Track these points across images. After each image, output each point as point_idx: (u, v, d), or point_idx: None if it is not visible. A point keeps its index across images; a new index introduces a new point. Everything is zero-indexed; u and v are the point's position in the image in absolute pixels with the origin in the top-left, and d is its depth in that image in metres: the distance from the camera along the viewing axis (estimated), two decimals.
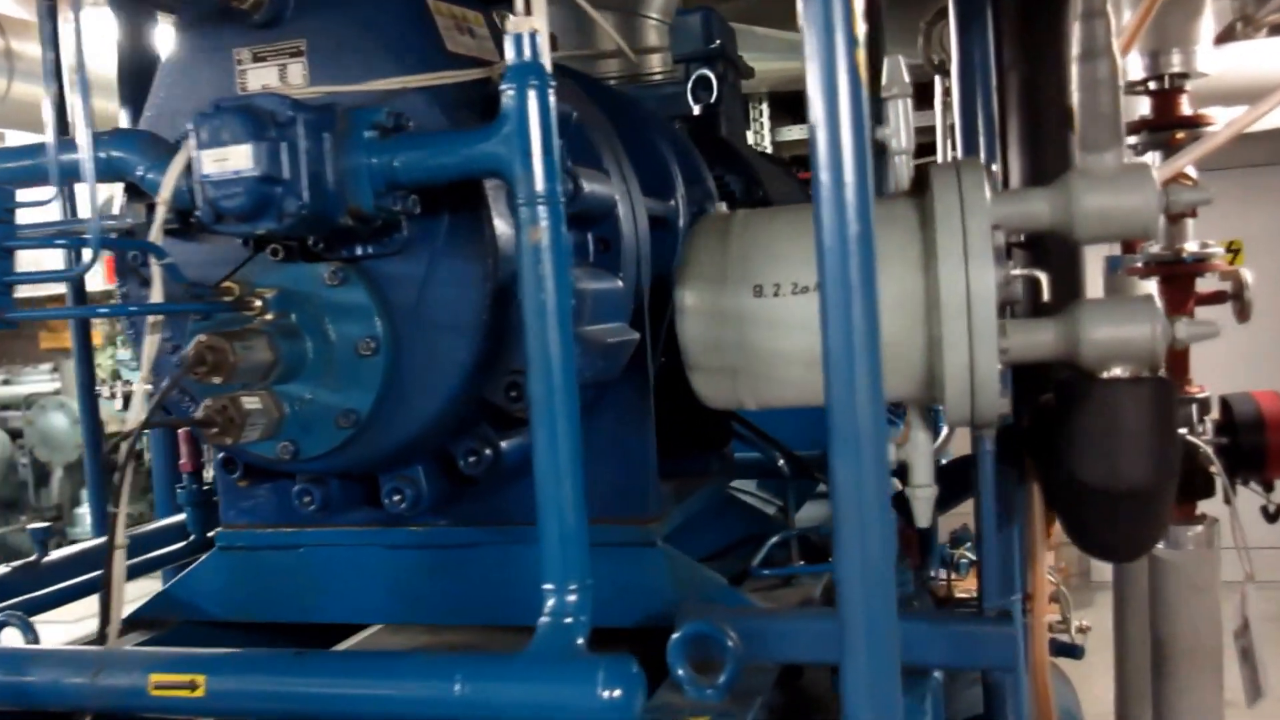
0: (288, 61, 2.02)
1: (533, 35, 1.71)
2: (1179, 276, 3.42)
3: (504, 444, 2.15)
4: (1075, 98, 1.96)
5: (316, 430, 1.98)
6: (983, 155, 2.90)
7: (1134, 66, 3.49)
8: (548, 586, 1.73)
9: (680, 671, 1.87)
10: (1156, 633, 3.73)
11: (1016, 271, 1.98)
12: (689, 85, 3.88)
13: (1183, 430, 3.12)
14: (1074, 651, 3.70)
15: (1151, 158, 3.49)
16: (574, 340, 2.01)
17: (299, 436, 1.99)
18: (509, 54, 1.73)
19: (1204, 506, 3.43)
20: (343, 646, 2.65)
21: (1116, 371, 1.91)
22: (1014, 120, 3.11)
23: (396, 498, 2.14)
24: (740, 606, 2.18)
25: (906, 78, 1.99)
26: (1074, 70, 1.98)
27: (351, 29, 1.97)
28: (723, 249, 1.98)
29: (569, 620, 1.73)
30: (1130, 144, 3.88)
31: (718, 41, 3.74)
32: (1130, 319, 1.89)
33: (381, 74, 1.95)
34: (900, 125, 1.98)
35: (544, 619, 1.72)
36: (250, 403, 1.87)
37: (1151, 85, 3.48)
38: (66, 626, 2.66)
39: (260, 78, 2.04)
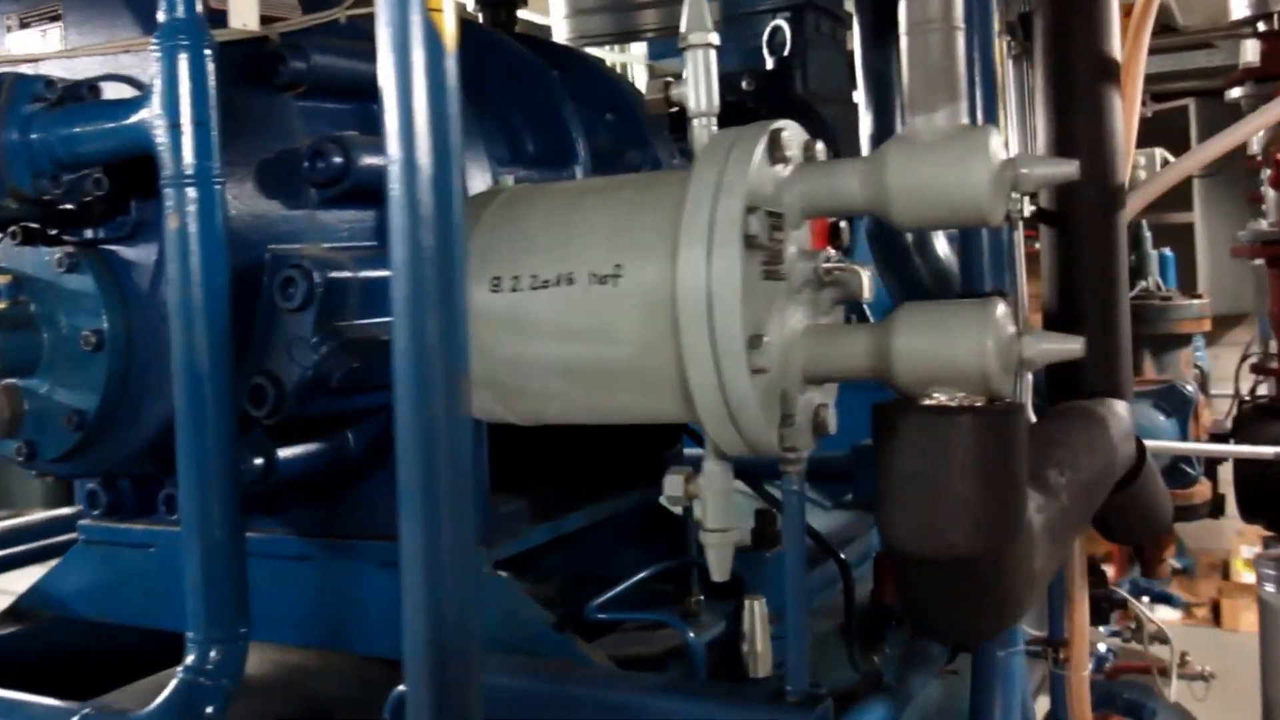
0: (48, 26, 1.85)
1: None
2: None
3: (282, 454, 1.91)
4: (903, 43, 1.51)
5: (50, 431, 1.81)
6: (979, 117, 2.43)
7: (1238, 4, 2.85)
8: (190, 635, 1.49)
9: None
10: (1267, 693, 3.10)
11: (828, 265, 1.56)
12: (765, 38, 3.51)
13: None
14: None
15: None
16: (324, 337, 1.76)
17: (36, 436, 1.83)
18: (160, 12, 1.49)
19: None
20: None
21: (940, 398, 1.46)
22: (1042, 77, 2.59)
23: (163, 503, 1.95)
24: (525, 659, 1.85)
25: (710, 22, 1.60)
26: (901, 7, 1.53)
27: None
28: (471, 233, 1.65)
29: (205, 682, 1.48)
30: (1234, 97, 3.21)
31: None
32: (956, 329, 1.44)
33: (132, 36, 1.75)
34: (699, 81, 1.59)
35: (179, 674, 1.48)
36: None
37: (1260, 26, 2.83)
38: None
39: (25, 42, 1.88)
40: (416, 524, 1.18)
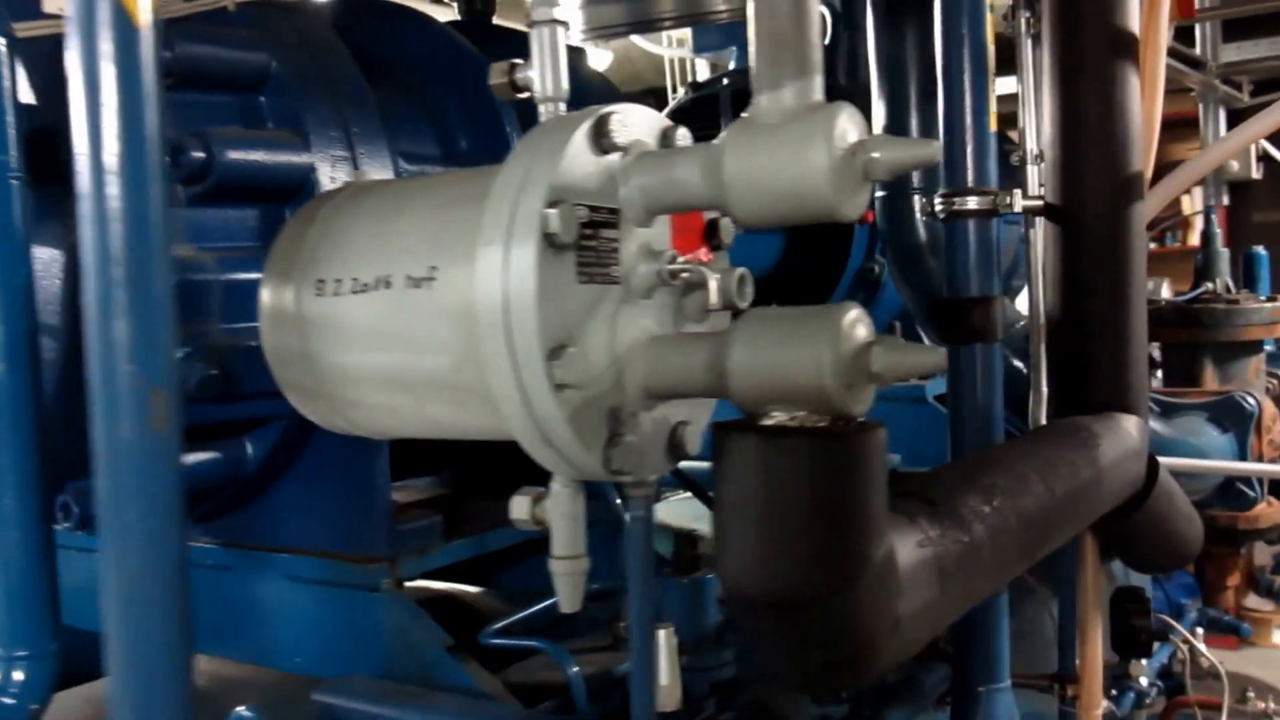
0: None
1: None
2: None
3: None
4: (748, 9, 1.32)
5: None
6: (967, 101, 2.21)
7: None
8: None
9: None
10: None
11: (674, 266, 1.38)
12: None
13: None
14: None
15: None
16: (182, 340, 1.67)
17: None
18: None
19: None
20: None
21: (779, 417, 1.28)
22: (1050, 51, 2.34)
23: (62, 514, 1.88)
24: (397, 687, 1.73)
25: (562, 1, 1.44)
26: None
27: None
28: (302, 232, 1.52)
29: (7, 702, 1.40)
30: None
31: None
32: (794, 341, 1.25)
33: None
34: (545, 62, 1.43)
35: None
36: None
37: None
38: None
39: None
40: (110, 542, 1.06)
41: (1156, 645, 3.15)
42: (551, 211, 1.25)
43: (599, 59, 6.06)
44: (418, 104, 2.17)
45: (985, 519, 1.58)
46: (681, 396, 1.39)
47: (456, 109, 2.17)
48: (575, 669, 1.77)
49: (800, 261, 3.70)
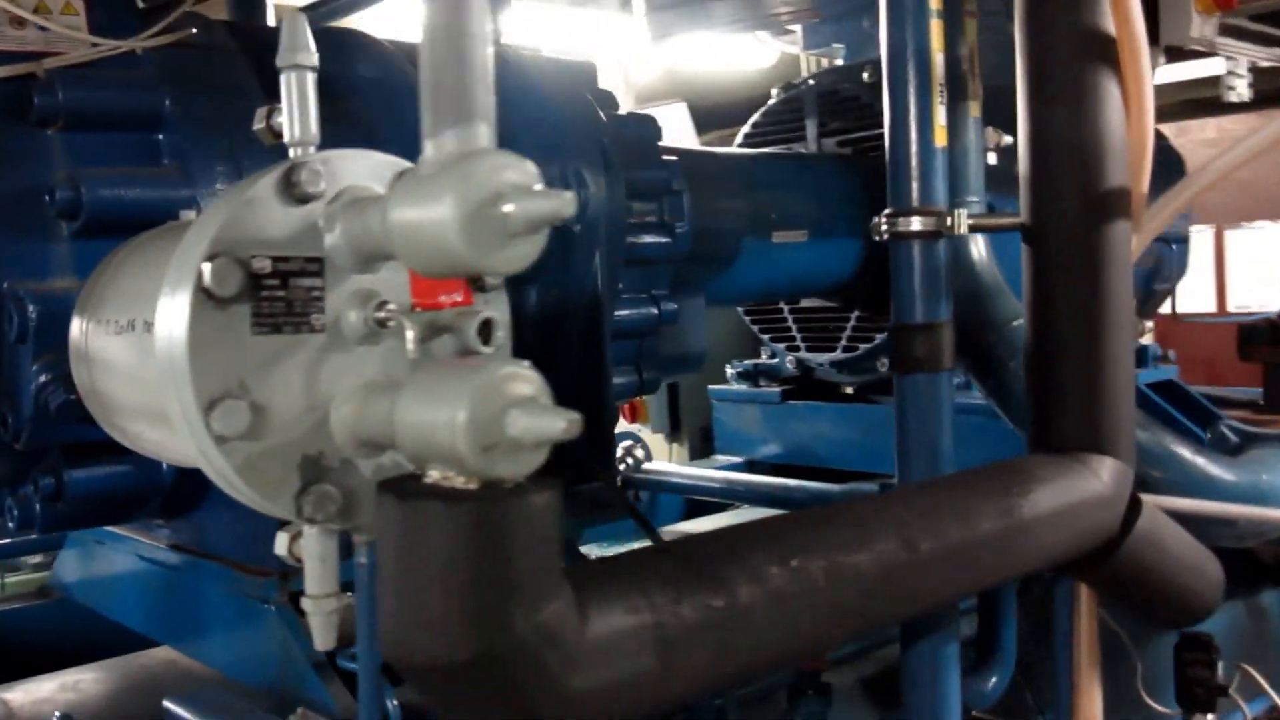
0: None
1: None
2: None
3: (75, 474, 1.97)
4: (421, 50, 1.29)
5: None
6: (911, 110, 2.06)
7: None
8: None
9: None
10: None
11: (379, 314, 1.37)
12: None
13: None
14: None
15: None
16: (44, 368, 1.81)
17: None
18: None
19: None
20: None
21: (435, 476, 1.25)
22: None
23: (6, 516, 2.06)
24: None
25: (312, 43, 1.45)
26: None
27: None
28: (101, 273, 1.61)
29: None
30: None
31: None
32: (442, 397, 1.22)
33: None
34: (295, 107, 1.45)
35: None
36: None
37: None
38: None
39: None
40: None
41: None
42: (206, 266, 1.27)
43: (764, 57, 5.88)
44: (354, 129, 2.22)
45: (768, 580, 1.48)
46: (383, 446, 1.37)
47: (391, 134, 2.21)
48: (394, 702, 1.78)
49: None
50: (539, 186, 1.21)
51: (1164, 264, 4.45)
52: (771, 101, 3.81)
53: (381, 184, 1.42)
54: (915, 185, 2.08)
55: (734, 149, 3.28)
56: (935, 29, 2.06)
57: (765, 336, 3.90)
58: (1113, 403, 2.09)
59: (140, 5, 1.99)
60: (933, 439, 2.10)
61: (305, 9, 3.53)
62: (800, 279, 3.36)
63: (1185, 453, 2.54)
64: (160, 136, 1.96)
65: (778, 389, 3.98)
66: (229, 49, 2.09)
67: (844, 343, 3.64)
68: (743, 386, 4.06)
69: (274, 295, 1.33)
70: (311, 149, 1.45)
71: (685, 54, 6.17)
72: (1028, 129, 2.12)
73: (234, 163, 1.96)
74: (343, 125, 2.23)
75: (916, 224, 2.07)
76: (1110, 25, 2.03)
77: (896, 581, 1.64)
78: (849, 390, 3.88)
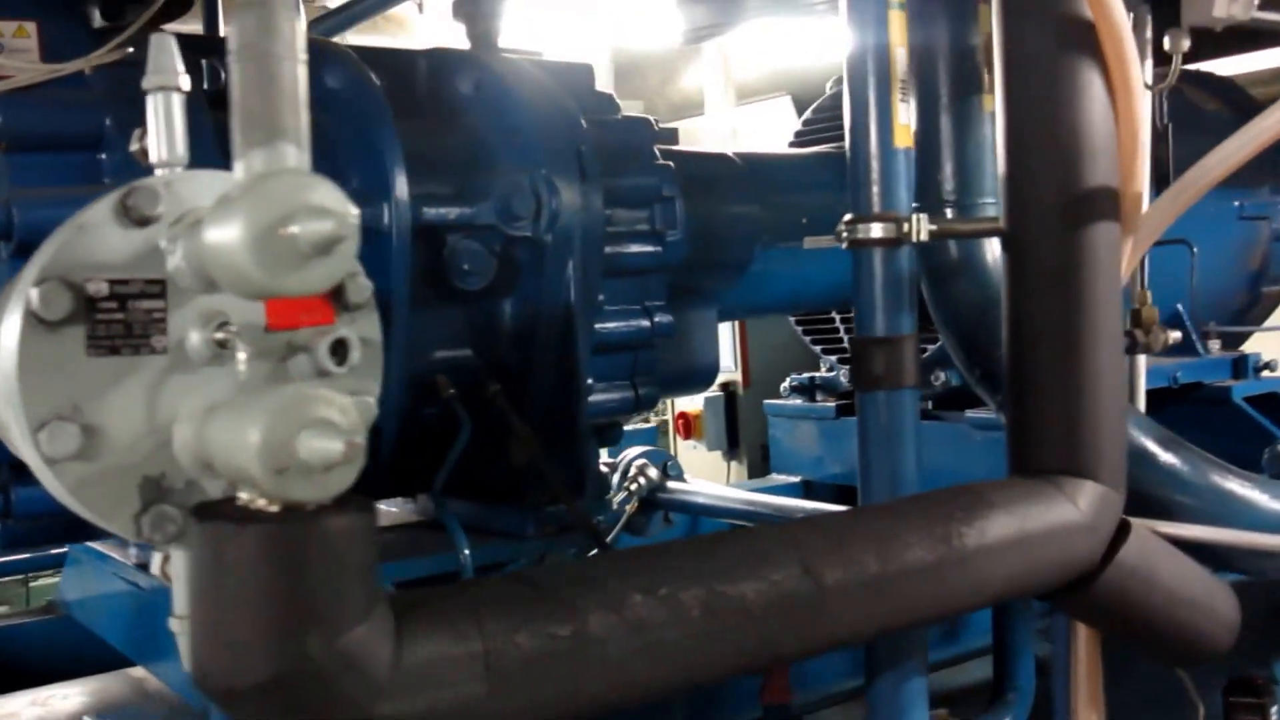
0: None
1: None
2: None
3: (23, 492, 2.02)
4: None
5: None
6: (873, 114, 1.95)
7: None
8: None
9: None
10: None
11: (220, 336, 1.36)
12: None
13: None
14: None
15: None
16: None
17: None
18: None
19: None
20: None
21: (243, 498, 1.23)
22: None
23: None
24: None
25: (180, 64, 1.45)
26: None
27: None
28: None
29: None
30: None
31: None
32: (244, 417, 1.20)
33: None
34: (161, 129, 1.45)
35: None
36: None
37: None
38: None
39: None
40: None
41: None
42: (34, 290, 1.28)
43: None
44: (317, 141, 2.23)
45: (627, 608, 1.41)
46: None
47: (352, 145, 2.21)
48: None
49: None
50: (340, 206, 1.17)
51: (1273, 262, 4.14)
52: (824, 97, 3.70)
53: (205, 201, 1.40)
54: (875, 189, 1.96)
55: (754, 151, 3.18)
56: (896, 20, 1.94)
57: (817, 348, 3.78)
58: (1094, 422, 1.93)
59: (95, 26, 2.04)
60: (894, 462, 1.98)
61: (325, 16, 3.58)
62: (838, 287, 3.23)
63: (1220, 477, 2.34)
64: (103, 156, 2.00)
65: (833, 404, 3.81)
66: None
67: None
68: (798, 401, 3.89)
69: (111, 318, 1.33)
70: (179, 169, 1.45)
71: (789, 47, 6.07)
72: (1004, 125, 1.99)
73: None
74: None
75: (877, 230, 1.96)
76: (1085, 8, 1.88)
77: (792, 614, 1.54)
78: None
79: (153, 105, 1.44)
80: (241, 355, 1.34)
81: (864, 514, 1.79)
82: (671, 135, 3.02)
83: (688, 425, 4.69)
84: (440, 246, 2.28)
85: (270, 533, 1.17)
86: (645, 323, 2.56)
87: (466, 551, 2.10)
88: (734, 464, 4.61)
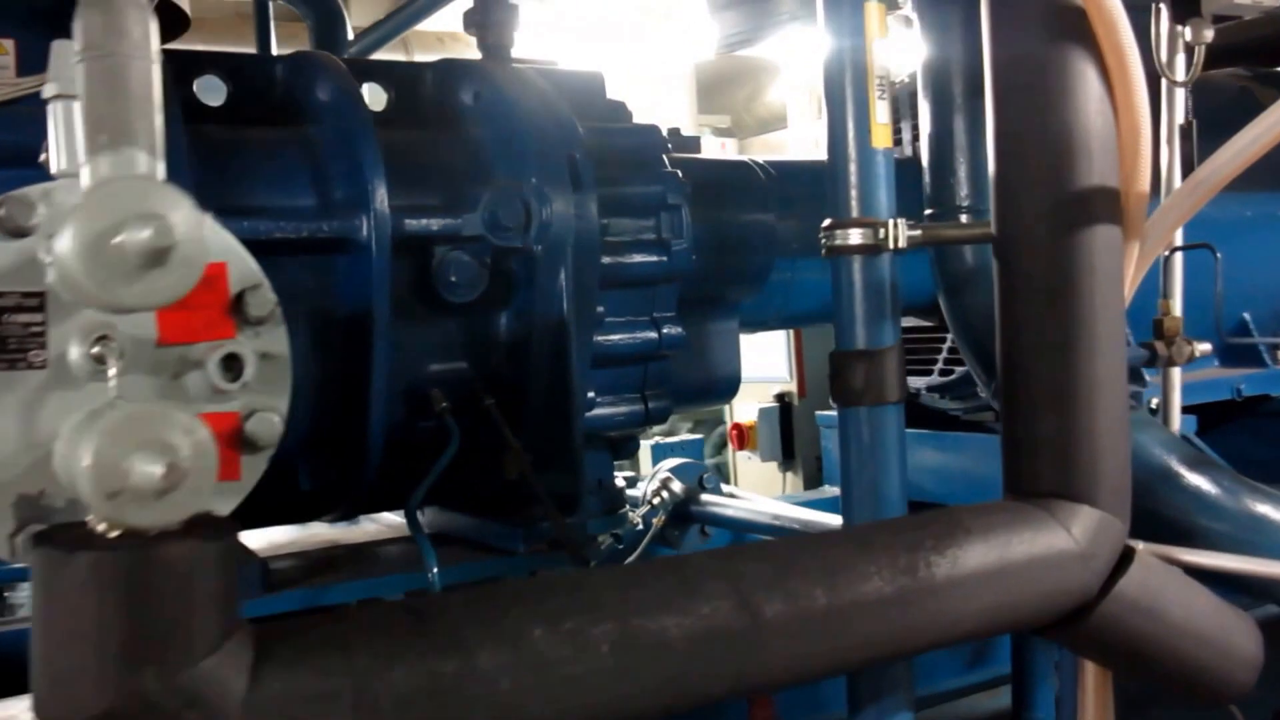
0: None
1: None
2: None
3: None
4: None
5: None
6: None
7: None
8: None
9: None
10: None
11: (97, 351, 1.32)
12: None
13: None
14: None
15: None
16: None
17: None
18: None
19: None
20: None
21: (90, 521, 1.18)
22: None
23: None
24: None
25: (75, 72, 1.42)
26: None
27: None
28: None
29: None
30: None
31: None
32: (79, 440, 1.15)
33: None
34: (61, 138, 1.42)
35: None
36: None
37: None
38: None
39: None
40: None
41: None
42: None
43: None
44: (304, 154, 2.20)
45: (524, 643, 1.32)
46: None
47: (337, 158, 2.17)
48: None
49: None
50: (165, 213, 1.12)
51: None
52: None
53: None
54: (854, 193, 1.84)
55: (789, 159, 3.05)
56: (873, 12, 1.81)
57: None
58: (1091, 442, 1.77)
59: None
60: (875, 481, 1.85)
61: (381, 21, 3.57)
62: None
63: (1254, 501, 2.14)
64: (35, 173, 1.99)
65: None
66: None
67: (940, 365, 3.33)
68: None
69: None
70: (77, 181, 1.41)
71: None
72: (993, 123, 1.84)
73: None
74: (292, 147, 2.22)
75: (855, 237, 1.83)
76: None
77: (722, 651, 1.43)
78: (962, 418, 3.54)
79: (52, 114, 1.40)
80: (112, 370, 1.29)
81: (819, 541, 1.67)
82: (693, 143, 2.93)
83: (742, 436, 4.58)
84: (428, 259, 2.23)
85: (100, 560, 1.11)
86: (653, 334, 2.47)
87: (435, 570, 2.03)
88: (789, 475, 4.48)
